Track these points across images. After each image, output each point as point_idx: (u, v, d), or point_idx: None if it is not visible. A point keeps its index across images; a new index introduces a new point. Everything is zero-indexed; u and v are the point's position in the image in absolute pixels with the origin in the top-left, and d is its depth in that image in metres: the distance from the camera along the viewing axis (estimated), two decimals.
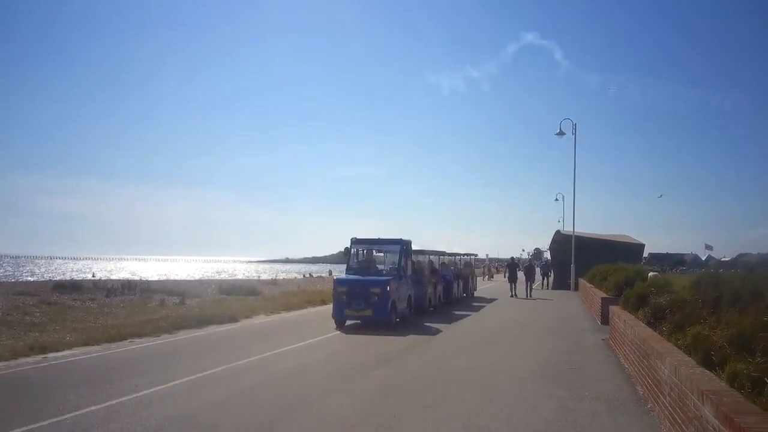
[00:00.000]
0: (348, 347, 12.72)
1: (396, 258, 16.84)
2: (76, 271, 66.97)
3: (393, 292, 15.55)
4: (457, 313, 19.71)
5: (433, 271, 21.33)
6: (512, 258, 35.04)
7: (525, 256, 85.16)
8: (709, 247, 70.86)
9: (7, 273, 60.91)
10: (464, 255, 29.57)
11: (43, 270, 75.04)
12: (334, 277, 17.73)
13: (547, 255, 46.42)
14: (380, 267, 17.51)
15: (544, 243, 76.73)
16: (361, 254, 17.71)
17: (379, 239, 17.41)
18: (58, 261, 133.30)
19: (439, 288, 21.53)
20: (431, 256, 22.27)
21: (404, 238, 17.11)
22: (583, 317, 18.86)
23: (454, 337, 14.31)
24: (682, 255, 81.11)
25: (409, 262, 17.59)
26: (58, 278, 40.64)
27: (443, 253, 24.55)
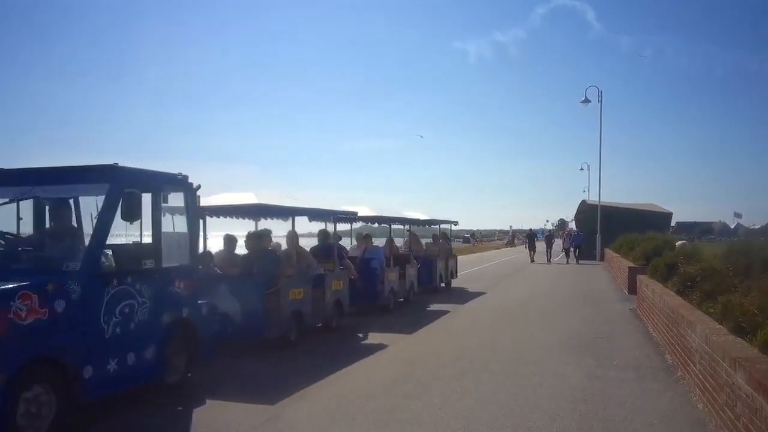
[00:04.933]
0: None
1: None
2: None
3: (25, 333, 4.86)
4: (360, 343, 9.70)
5: (326, 252, 10.98)
6: (530, 229, 41.20)
7: (549, 227, 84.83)
8: (738, 215, 69.71)
9: None
10: (427, 222, 17.04)
11: None
12: None
13: (573, 225, 46.22)
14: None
15: (568, 214, 76.06)
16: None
17: (49, 170, 6.28)
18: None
19: (342, 286, 10.72)
20: (324, 222, 11.15)
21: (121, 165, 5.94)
22: (609, 287, 18.74)
23: None
24: (710, 223, 79.81)
25: (192, 236, 6.98)
26: None
27: (351, 217, 11.78)
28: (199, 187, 7.07)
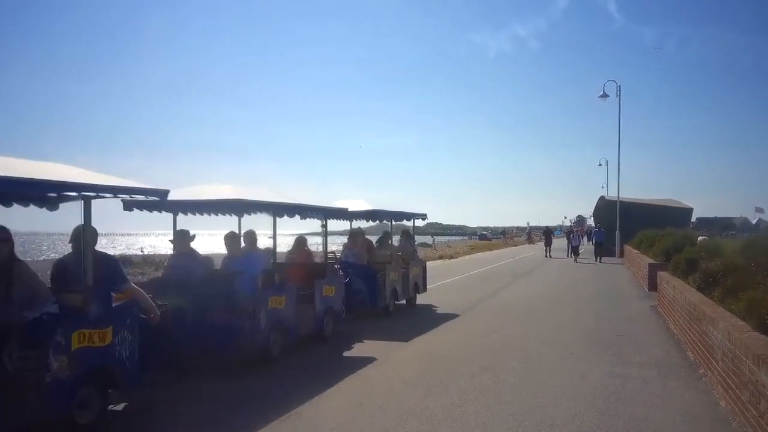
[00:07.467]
0: None
1: None
2: (128, 246, 68.92)
3: None
4: None
5: (77, 270, 4.98)
6: (547, 227, 45.01)
7: (567, 223, 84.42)
8: (759, 210, 68.63)
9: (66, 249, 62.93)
10: (368, 215, 11.84)
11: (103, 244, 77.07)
12: None
13: (591, 222, 46.21)
14: None
15: (587, 210, 75.60)
16: None
17: None
18: (114, 237, 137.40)
19: (111, 338, 5.02)
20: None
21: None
22: (629, 284, 18.58)
23: None
24: (732, 219, 78.79)
25: None
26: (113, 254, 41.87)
27: (150, 200, 6.54)
28: None
